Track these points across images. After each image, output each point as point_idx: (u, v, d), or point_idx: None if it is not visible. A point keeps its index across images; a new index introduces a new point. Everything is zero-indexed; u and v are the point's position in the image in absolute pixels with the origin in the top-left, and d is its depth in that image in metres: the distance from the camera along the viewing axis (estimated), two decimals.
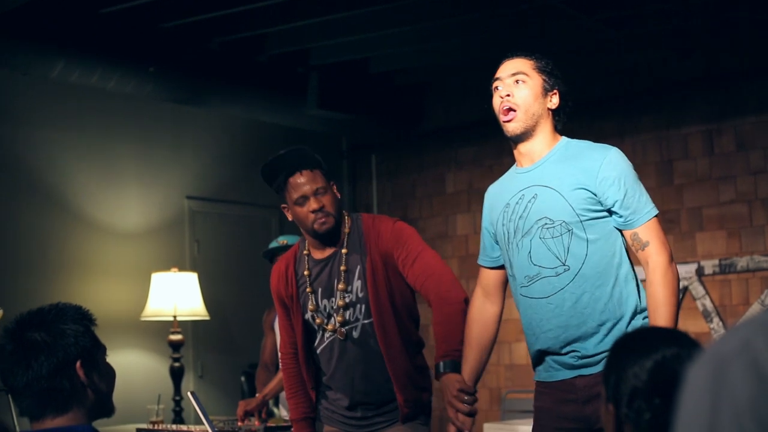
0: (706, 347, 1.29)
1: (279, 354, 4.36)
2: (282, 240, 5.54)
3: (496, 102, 3.34)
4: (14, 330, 2.32)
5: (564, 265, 3.18)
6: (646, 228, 3.17)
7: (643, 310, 3.20)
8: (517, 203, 3.30)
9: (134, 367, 6.99)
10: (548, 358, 3.28)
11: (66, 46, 6.02)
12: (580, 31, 6.61)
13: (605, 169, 3.17)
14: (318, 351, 3.91)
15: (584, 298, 3.16)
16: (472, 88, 8.08)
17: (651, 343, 1.98)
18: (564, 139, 3.34)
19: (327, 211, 3.76)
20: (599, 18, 6.38)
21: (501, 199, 3.39)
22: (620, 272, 3.20)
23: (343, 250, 3.82)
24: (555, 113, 3.34)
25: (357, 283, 3.79)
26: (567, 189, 3.19)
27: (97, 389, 2.35)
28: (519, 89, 3.29)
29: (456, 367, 3.43)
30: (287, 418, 5.06)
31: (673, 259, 3.18)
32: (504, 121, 3.31)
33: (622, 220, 3.18)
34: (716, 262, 6.93)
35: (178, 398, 6.80)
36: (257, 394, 5.33)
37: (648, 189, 3.30)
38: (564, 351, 3.21)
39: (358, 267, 3.79)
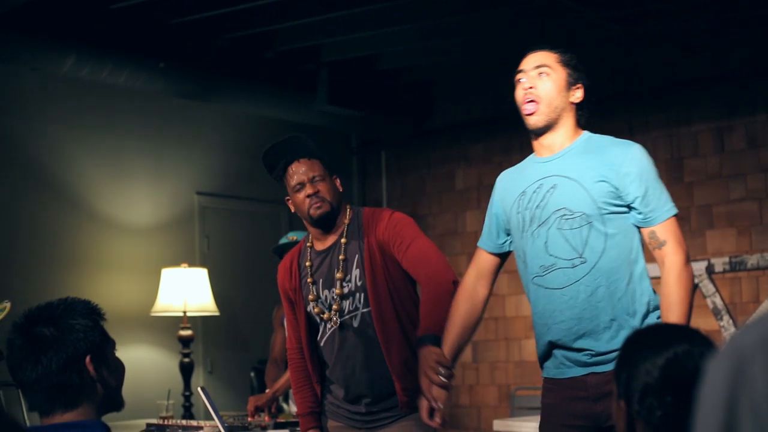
0: (718, 344, 1.29)
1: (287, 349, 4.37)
2: (291, 236, 5.54)
3: (519, 94, 3.32)
4: (23, 325, 2.32)
5: (581, 257, 3.16)
6: (664, 226, 3.16)
7: (657, 308, 3.19)
8: (534, 192, 3.28)
9: (144, 363, 7.00)
10: (559, 353, 3.26)
11: (76, 41, 6.03)
12: (589, 29, 6.60)
13: (628, 164, 3.16)
14: (321, 343, 3.91)
15: (599, 291, 3.15)
16: (481, 84, 8.08)
17: (663, 340, 1.97)
18: (586, 133, 3.33)
19: (322, 197, 3.79)
20: (608, 15, 6.37)
21: (516, 186, 3.36)
22: (636, 269, 3.19)
23: (342, 240, 3.84)
24: (578, 107, 3.32)
25: (355, 272, 3.80)
26: (589, 181, 3.18)
27: (106, 384, 2.34)
28: (542, 82, 3.27)
29: (437, 341, 3.38)
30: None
31: (689, 260, 3.16)
32: (526, 114, 3.29)
33: (641, 217, 3.17)
34: (726, 259, 6.91)
35: (187, 393, 6.80)
36: (267, 390, 5.33)
37: None
38: (576, 345, 3.19)
39: (357, 256, 3.81)
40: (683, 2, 6.26)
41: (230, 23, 6.53)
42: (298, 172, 3.81)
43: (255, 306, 7.57)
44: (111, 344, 2.39)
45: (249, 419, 5.00)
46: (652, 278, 3.24)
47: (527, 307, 8.39)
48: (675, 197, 3.25)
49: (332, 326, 3.86)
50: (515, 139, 7.53)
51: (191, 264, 7.05)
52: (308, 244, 3.96)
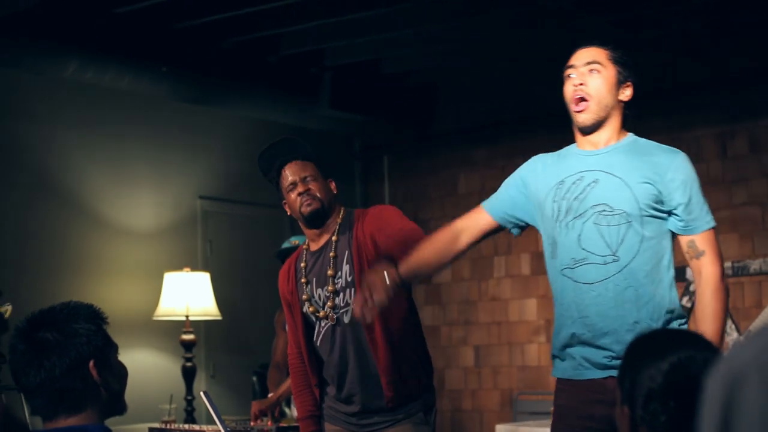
0: (721, 351, 1.29)
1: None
2: (294, 240, 5.54)
3: (568, 90, 3.28)
4: (26, 329, 2.32)
5: (614, 255, 3.14)
6: (704, 237, 3.18)
7: (681, 317, 3.19)
8: (573, 183, 3.25)
9: (146, 367, 6.99)
10: (577, 354, 3.22)
11: (79, 45, 6.03)
12: (592, 33, 6.60)
13: (674, 170, 3.16)
14: (318, 343, 3.93)
15: (628, 292, 3.14)
16: (485, 89, 8.07)
17: (666, 345, 1.97)
18: (631, 134, 3.32)
19: (313, 194, 3.86)
20: (610, 19, 6.37)
21: (555, 173, 3.32)
22: (667, 276, 3.19)
23: (333, 238, 3.89)
24: (626, 106, 3.30)
25: (346, 268, 3.85)
26: (634, 181, 3.17)
27: (109, 388, 2.34)
28: (593, 79, 3.24)
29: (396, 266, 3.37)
30: None
31: (725, 273, 3.17)
32: (575, 111, 3.25)
33: (682, 224, 3.17)
34: (729, 264, 6.90)
35: (190, 398, 6.80)
36: (269, 394, 5.33)
37: None
38: (598, 343, 3.16)
39: (346, 252, 3.85)
40: (685, 6, 6.25)
41: (233, 27, 6.53)
42: (291, 172, 3.90)
43: (257, 310, 7.57)
44: (114, 348, 2.39)
45: (252, 423, 5.00)
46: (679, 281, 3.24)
47: (530, 312, 8.37)
48: None
49: (326, 324, 3.90)
50: (518, 143, 7.53)
51: (194, 268, 7.05)
52: (304, 247, 4.02)
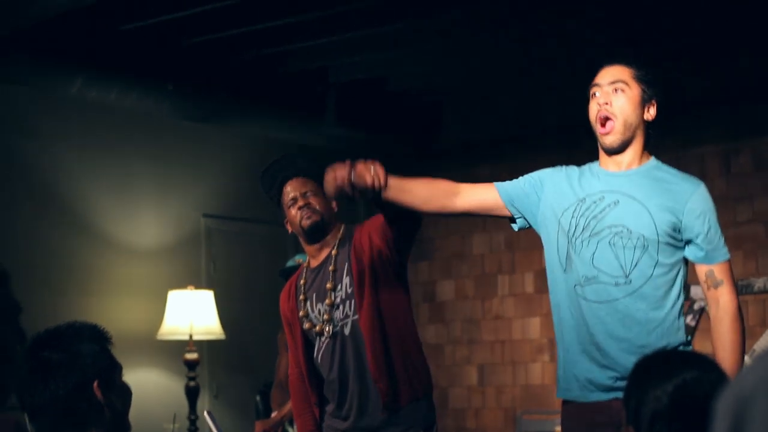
0: (727, 378, 1.29)
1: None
2: (298, 259, 5.53)
3: (593, 109, 3.28)
4: (31, 349, 2.32)
5: (626, 277, 3.15)
6: (722, 267, 3.20)
7: (688, 344, 3.20)
8: (594, 202, 3.25)
9: (150, 386, 6.98)
10: (582, 374, 3.22)
11: (84, 63, 6.03)
12: (595, 49, 6.60)
13: (694, 200, 3.19)
14: (318, 359, 3.93)
15: (637, 315, 3.15)
16: (489, 106, 8.08)
17: (672, 366, 1.97)
18: (654, 158, 3.32)
19: (313, 208, 3.92)
20: (613, 36, 6.37)
21: (578, 189, 3.32)
22: (676, 304, 3.20)
23: (333, 252, 3.92)
24: (649, 126, 3.29)
25: (345, 280, 3.87)
26: (654, 207, 3.18)
27: (113, 408, 2.34)
28: (617, 98, 3.24)
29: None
30: None
31: (740, 305, 3.19)
32: (602, 133, 3.25)
33: (702, 254, 3.18)
34: None
35: (193, 417, 6.78)
36: (273, 414, 5.32)
37: None
38: (604, 363, 3.16)
39: (346, 264, 3.88)
40: (689, 22, 6.26)
41: (238, 45, 6.54)
42: (292, 188, 3.97)
43: (261, 329, 7.55)
44: (118, 369, 2.39)
45: None
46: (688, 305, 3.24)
47: (534, 330, 8.33)
48: None
49: (326, 338, 3.89)
50: (521, 161, 7.52)
51: (197, 286, 7.05)
52: (305, 264, 4.05)
